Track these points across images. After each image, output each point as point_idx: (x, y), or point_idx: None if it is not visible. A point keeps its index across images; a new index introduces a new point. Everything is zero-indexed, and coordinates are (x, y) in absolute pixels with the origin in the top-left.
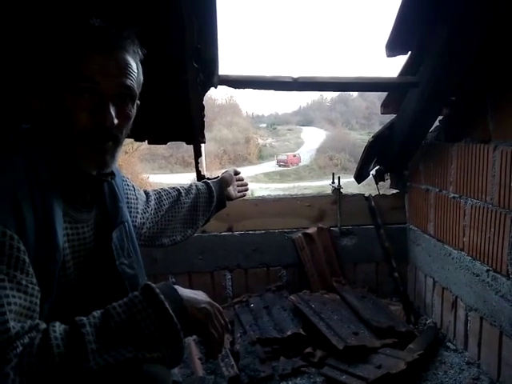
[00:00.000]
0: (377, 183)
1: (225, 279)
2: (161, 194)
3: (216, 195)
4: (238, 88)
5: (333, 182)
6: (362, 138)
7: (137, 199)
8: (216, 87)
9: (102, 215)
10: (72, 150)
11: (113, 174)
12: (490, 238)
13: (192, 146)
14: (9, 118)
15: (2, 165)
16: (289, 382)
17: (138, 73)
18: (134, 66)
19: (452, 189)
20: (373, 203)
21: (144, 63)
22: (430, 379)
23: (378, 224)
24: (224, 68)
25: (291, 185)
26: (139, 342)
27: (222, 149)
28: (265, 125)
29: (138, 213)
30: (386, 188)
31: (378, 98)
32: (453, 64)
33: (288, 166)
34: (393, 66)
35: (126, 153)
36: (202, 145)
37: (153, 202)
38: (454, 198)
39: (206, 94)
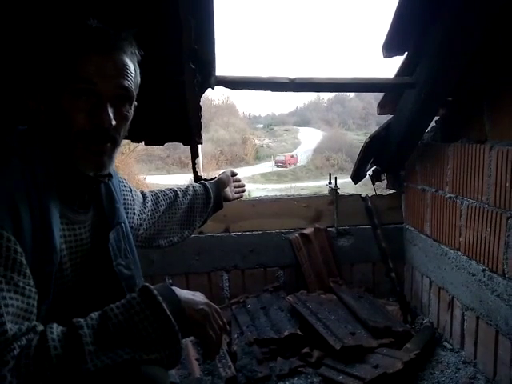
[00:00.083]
0: (373, 183)
1: (222, 280)
2: (158, 195)
3: (213, 196)
4: (235, 89)
5: (330, 183)
6: (358, 138)
7: (133, 200)
8: (213, 88)
9: (99, 216)
10: (70, 151)
11: (110, 175)
12: (486, 237)
13: (189, 146)
14: (5, 119)
15: None
16: (286, 383)
17: (135, 74)
18: (132, 67)
19: (448, 189)
20: (369, 203)
21: (141, 64)
22: (427, 379)
23: (375, 224)
24: (221, 69)
25: (288, 185)
26: (137, 344)
27: (219, 149)
28: (261, 125)
29: (134, 214)
30: (382, 188)
31: (374, 98)
32: (449, 65)
33: (286, 167)
34: (389, 67)
35: (123, 154)
36: (199, 146)
37: (150, 203)
38: (450, 198)
39: (203, 94)
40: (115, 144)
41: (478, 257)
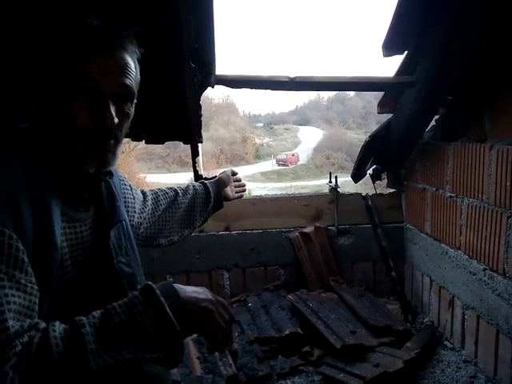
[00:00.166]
0: (374, 182)
1: (222, 279)
2: (158, 194)
3: (213, 195)
4: (235, 88)
5: (330, 182)
6: (358, 137)
7: (134, 199)
8: (213, 87)
9: (100, 214)
10: (73, 148)
11: (111, 173)
12: (486, 236)
13: (189, 145)
14: (6, 117)
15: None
16: (287, 381)
17: (136, 72)
18: (133, 65)
19: (448, 188)
20: (370, 202)
21: (141, 63)
22: (428, 378)
23: (375, 223)
24: (221, 68)
25: (288, 184)
26: (139, 343)
27: (219, 148)
28: (262, 124)
29: (135, 212)
30: (382, 187)
31: (374, 97)
32: (449, 64)
33: (287, 165)
34: (389, 66)
35: (123, 152)
36: (199, 144)
37: (150, 202)
38: (450, 197)
39: (203, 93)
40: (118, 141)
41: (479, 256)
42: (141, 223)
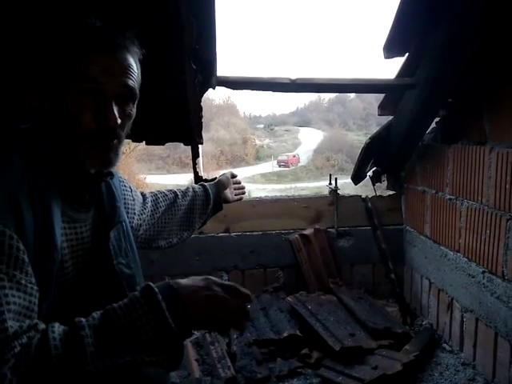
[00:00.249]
0: (373, 184)
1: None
2: (157, 196)
3: (213, 198)
4: (236, 89)
5: (330, 183)
6: (359, 138)
7: (134, 200)
8: (214, 88)
9: (100, 215)
10: (76, 149)
11: (111, 174)
12: (485, 239)
13: (189, 146)
14: (8, 118)
15: (0, 165)
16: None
17: (138, 73)
18: (135, 66)
19: (448, 190)
20: (369, 204)
21: (142, 64)
22: (426, 380)
23: (375, 225)
24: (222, 69)
25: (288, 186)
26: (138, 346)
27: (220, 149)
28: (262, 125)
29: (135, 214)
30: (382, 189)
31: (375, 99)
32: (449, 66)
33: (288, 166)
34: (390, 68)
35: (123, 153)
36: (200, 145)
37: (149, 204)
38: (450, 199)
39: (204, 94)
40: (120, 141)
41: (478, 258)
42: (140, 225)
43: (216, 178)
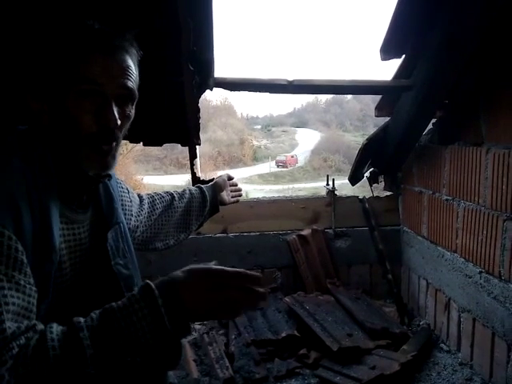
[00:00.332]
0: (371, 185)
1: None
2: (154, 197)
3: (209, 200)
4: (234, 90)
5: (327, 184)
6: (356, 139)
7: (131, 202)
8: (212, 89)
9: (98, 216)
10: (75, 151)
11: (109, 175)
12: (482, 240)
13: (187, 147)
14: (6, 118)
15: None
16: None
17: (136, 74)
18: (134, 67)
19: (445, 191)
20: (367, 205)
21: (140, 65)
22: (424, 380)
23: (372, 226)
24: (220, 70)
25: (286, 186)
26: (137, 347)
27: (217, 150)
28: (259, 126)
29: (132, 215)
30: (379, 190)
31: (372, 100)
32: (446, 67)
33: (286, 167)
34: (387, 70)
35: (120, 154)
36: (197, 146)
37: (146, 206)
38: (447, 200)
39: (202, 95)
40: (118, 143)
41: (475, 259)
42: (137, 226)
43: (213, 178)
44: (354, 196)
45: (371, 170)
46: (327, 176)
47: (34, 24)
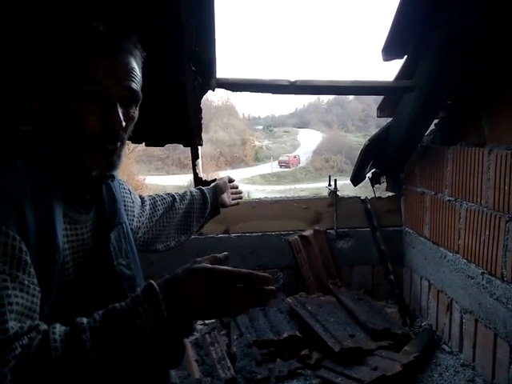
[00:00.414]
0: (373, 186)
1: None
2: (155, 199)
3: (210, 202)
4: (236, 91)
5: (329, 185)
6: (358, 140)
7: (133, 203)
8: (214, 90)
9: (100, 216)
10: (80, 152)
11: (113, 176)
12: (484, 240)
13: (189, 147)
14: (10, 119)
15: (3, 166)
16: None
17: (140, 76)
18: (138, 69)
19: (447, 192)
20: (369, 206)
21: (143, 66)
22: (426, 381)
23: (374, 226)
24: (222, 71)
25: (287, 187)
26: (139, 349)
27: (219, 150)
28: (261, 127)
29: (134, 216)
30: (382, 191)
31: (374, 100)
32: (448, 68)
33: (289, 167)
34: (389, 70)
35: None
36: (199, 147)
37: (148, 207)
38: (449, 201)
39: (204, 96)
40: (123, 144)
41: (477, 260)
42: (139, 227)
43: (216, 179)
44: (356, 197)
45: (373, 170)
46: (329, 176)
47: (39, 26)
